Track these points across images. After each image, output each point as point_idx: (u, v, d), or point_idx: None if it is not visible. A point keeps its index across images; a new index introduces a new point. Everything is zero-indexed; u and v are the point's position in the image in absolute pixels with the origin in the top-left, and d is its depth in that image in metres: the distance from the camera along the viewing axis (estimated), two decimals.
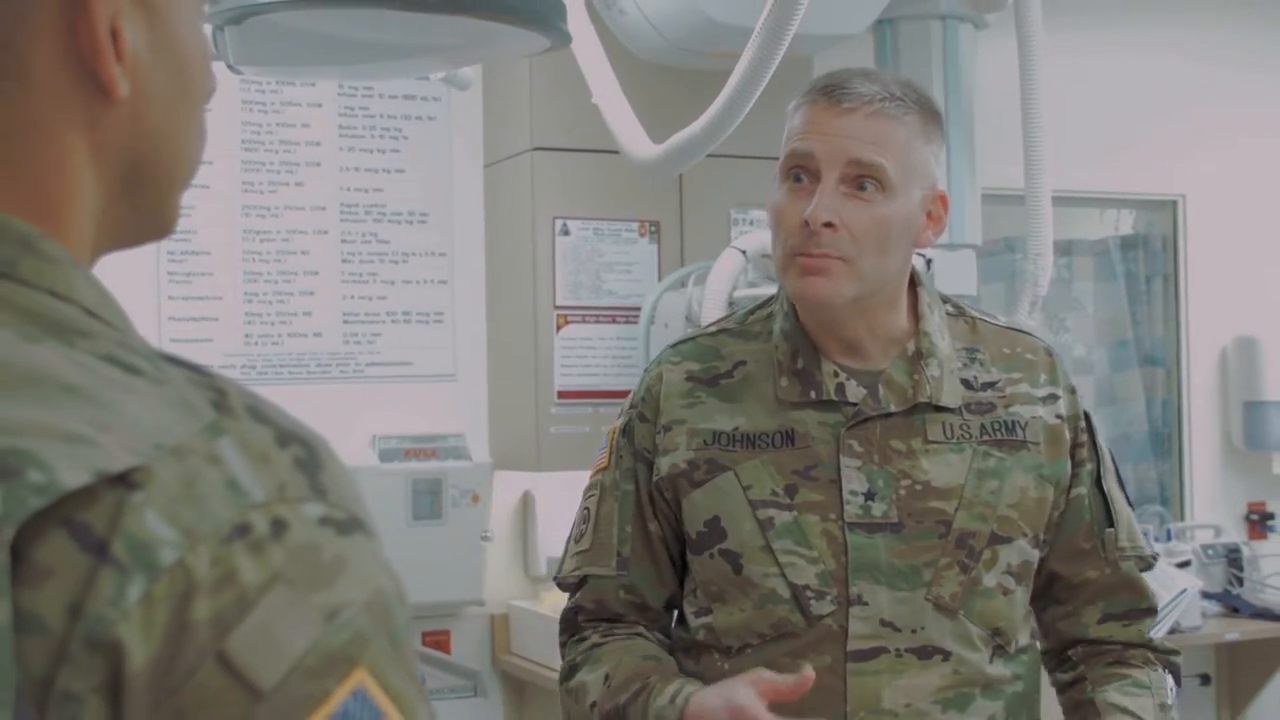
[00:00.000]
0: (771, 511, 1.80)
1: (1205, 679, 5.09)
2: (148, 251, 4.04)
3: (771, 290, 2.03)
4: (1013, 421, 1.85)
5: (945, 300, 1.92)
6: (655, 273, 4.31)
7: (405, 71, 3.50)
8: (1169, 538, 4.86)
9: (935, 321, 1.86)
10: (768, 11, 2.72)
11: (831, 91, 1.78)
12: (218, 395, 0.70)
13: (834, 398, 1.82)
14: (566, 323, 4.22)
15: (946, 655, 1.79)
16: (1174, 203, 5.28)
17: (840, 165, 1.75)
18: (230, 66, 2.57)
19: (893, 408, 1.81)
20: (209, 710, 0.63)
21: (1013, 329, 1.94)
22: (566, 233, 4.24)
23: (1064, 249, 5.16)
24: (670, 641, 1.92)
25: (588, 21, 3.39)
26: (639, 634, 1.89)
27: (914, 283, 1.88)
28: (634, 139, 3.38)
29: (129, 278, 3.97)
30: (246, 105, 4.18)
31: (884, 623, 1.77)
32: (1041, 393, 1.88)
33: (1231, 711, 5.15)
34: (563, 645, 1.95)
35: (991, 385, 1.86)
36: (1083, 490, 1.89)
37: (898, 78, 1.85)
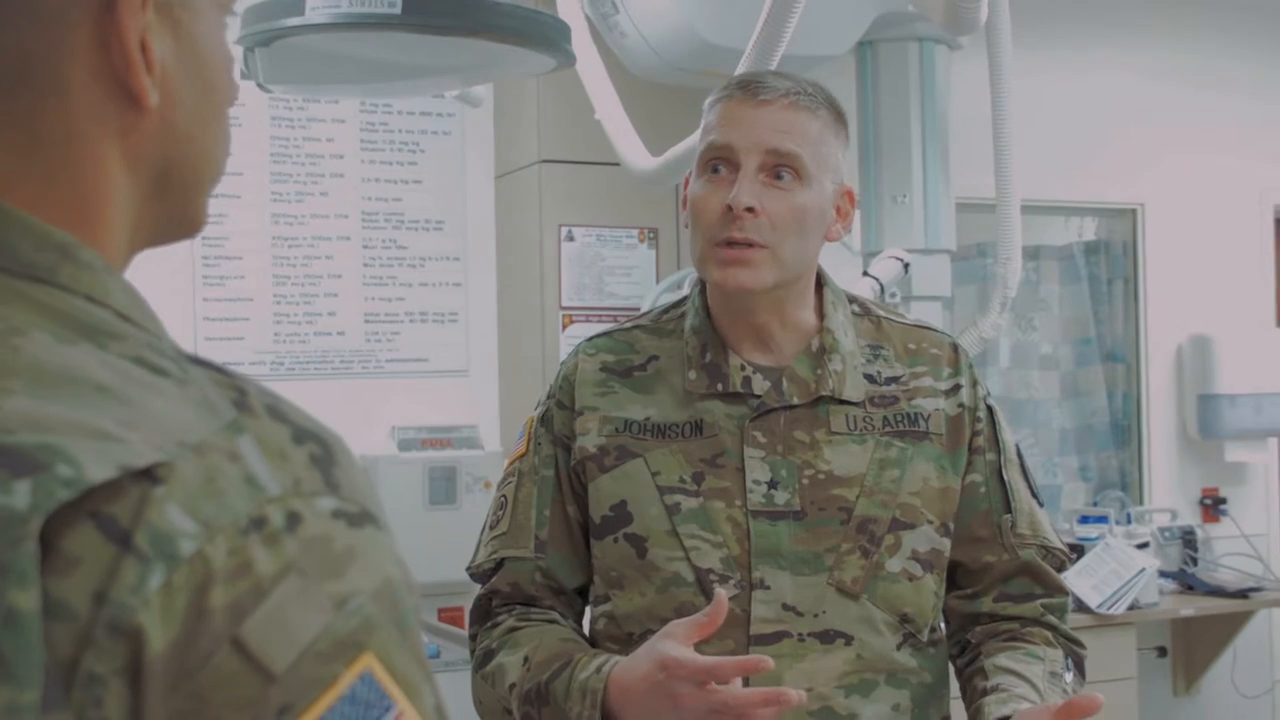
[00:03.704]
0: (679, 497, 1.71)
1: (1162, 651, 5.09)
2: (184, 256, 4.04)
3: None
4: (915, 413, 1.76)
5: (852, 300, 1.83)
6: (654, 276, 4.31)
7: (422, 90, 3.49)
8: (1129, 521, 4.85)
9: (839, 319, 1.78)
10: (757, 34, 2.71)
11: (748, 85, 1.72)
12: (239, 395, 0.69)
13: (740, 390, 1.73)
14: (571, 322, 4.21)
15: (849, 640, 1.69)
16: (1133, 211, 5.27)
17: (759, 154, 1.68)
18: (260, 85, 2.56)
19: (795, 400, 1.73)
20: (224, 692, 0.62)
21: (919, 326, 1.85)
22: (571, 239, 4.24)
23: (1032, 254, 5.15)
24: (583, 630, 1.81)
25: (590, 43, 3.38)
26: (554, 620, 1.77)
27: (821, 283, 1.81)
28: (634, 152, 3.38)
29: (167, 281, 3.97)
30: (275, 121, 4.18)
31: (786, 607, 1.67)
32: (945, 385, 1.79)
33: (1186, 682, 5.15)
34: (473, 636, 1.82)
35: (895, 380, 1.78)
36: (978, 478, 1.78)
37: (808, 79, 1.77)
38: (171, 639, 0.61)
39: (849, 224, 1.79)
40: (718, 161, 1.71)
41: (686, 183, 1.77)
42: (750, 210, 1.67)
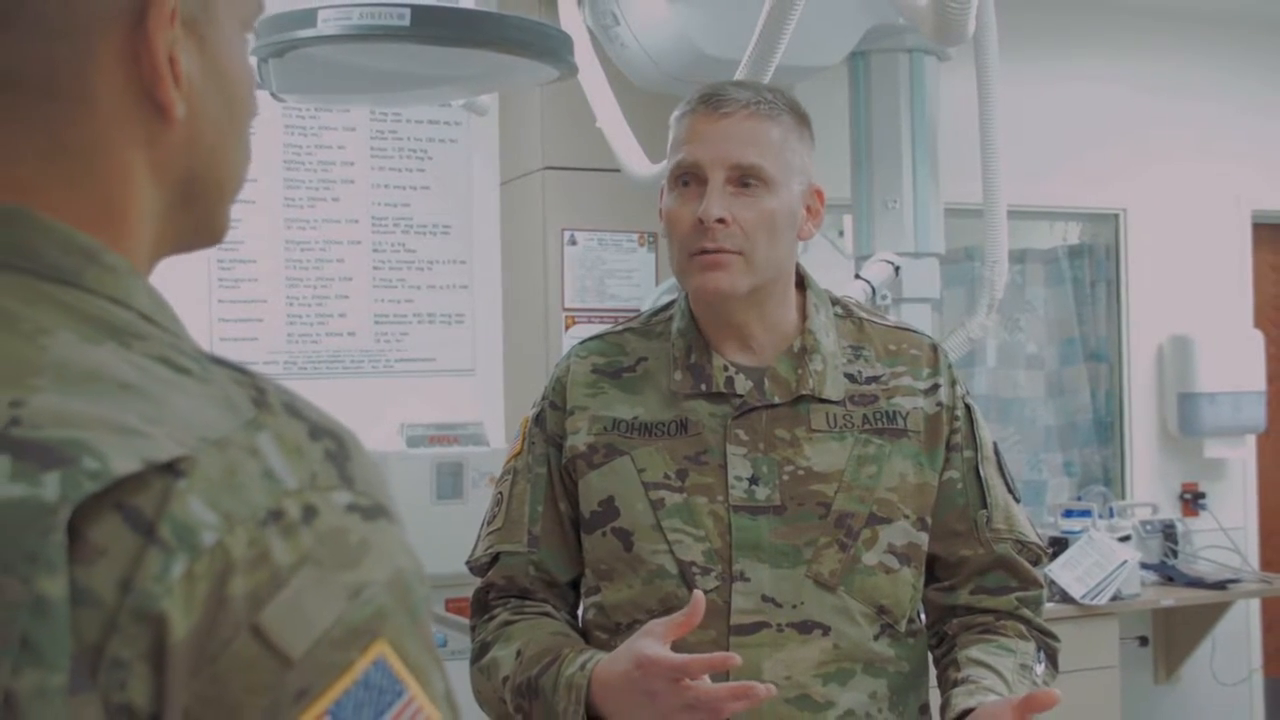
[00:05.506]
0: (663, 493, 1.72)
1: (1144, 641, 5.09)
2: (200, 259, 4.04)
3: None
4: (894, 411, 1.76)
5: (835, 302, 1.84)
6: (653, 278, 4.31)
7: (429, 99, 3.49)
8: (1111, 515, 4.85)
9: (821, 320, 1.78)
10: (753, 46, 2.72)
11: (709, 99, 1.73)
12: (258, 393, 0.70)
13: (723, 390, 1.74)
14: (574, 323, 4.21)
15: (826, 630, 1.70)
16: (1116, 216, 5.27)
17: (724, 168, 1.70)
18: (274, 94, 2.57)
19: (777, 399, 1.74)
20: (243, 676, 0.62)
21: (900, 328, 1.85)
22: (574, 243, 4.24)
23: (1018, 257, 5.15)
24: (576, 622, 1.83)
25: (592, 54, 3.39)
26: (547, 613, 1.80)
27: (804, 286, 1.81)
28: (634, 159, 3.38)
29: (184, 283, 3.97)
30: (288, 129, 4.18)
31: (765, 598, 1.68)
32: (924, 385, 1.79)
33: (1167, 670, 5.15)
34: (473, 627, 1.84)
35: (875, 379, 1.78)
36: (955, 474, 1.78)
37: (769, 86, 1.79)
38: (193, 625, 0.62)
39: (820, 222, 1.80)
40: (686, 176, 1.73)
41: (662, 195, 1.78)
42: (720, 221, 1.69)
